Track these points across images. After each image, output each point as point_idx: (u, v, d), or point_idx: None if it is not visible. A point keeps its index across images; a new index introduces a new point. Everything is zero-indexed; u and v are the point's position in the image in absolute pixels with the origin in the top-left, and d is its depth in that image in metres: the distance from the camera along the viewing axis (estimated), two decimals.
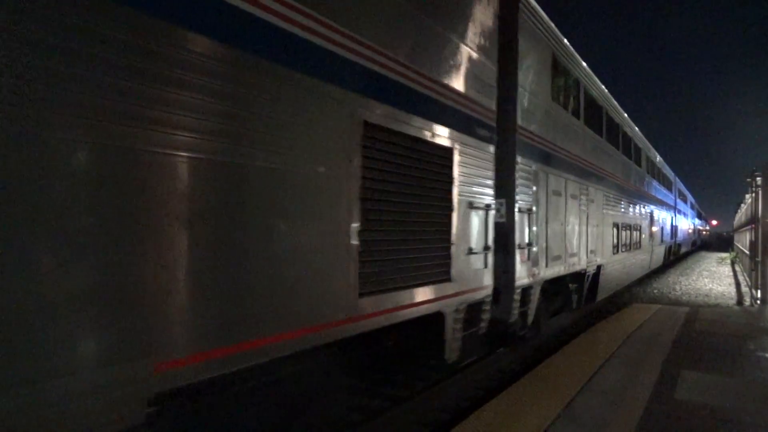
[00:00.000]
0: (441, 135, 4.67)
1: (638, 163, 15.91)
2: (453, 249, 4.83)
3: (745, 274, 22.04)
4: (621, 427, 4.14)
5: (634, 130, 15.33)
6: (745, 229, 24.10)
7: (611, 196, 11.61)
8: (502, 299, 6.14)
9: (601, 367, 5.86)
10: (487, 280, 5.57)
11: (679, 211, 29.81)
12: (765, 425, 4.22)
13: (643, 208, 16.28)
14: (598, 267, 10.26)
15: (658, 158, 21.68)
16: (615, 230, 11.94)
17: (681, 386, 5.20)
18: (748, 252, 18.61)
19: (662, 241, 21.16)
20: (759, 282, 12.97)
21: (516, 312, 6.27)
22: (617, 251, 12.17)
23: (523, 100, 6.52)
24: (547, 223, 7.29)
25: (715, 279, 22.97)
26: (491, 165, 5.71)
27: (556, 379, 5.42)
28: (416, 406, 5.33)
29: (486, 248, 5.49)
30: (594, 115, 10.41)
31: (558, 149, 7.90)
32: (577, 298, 9.17)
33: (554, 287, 8.07)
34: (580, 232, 8.96)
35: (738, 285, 20.20)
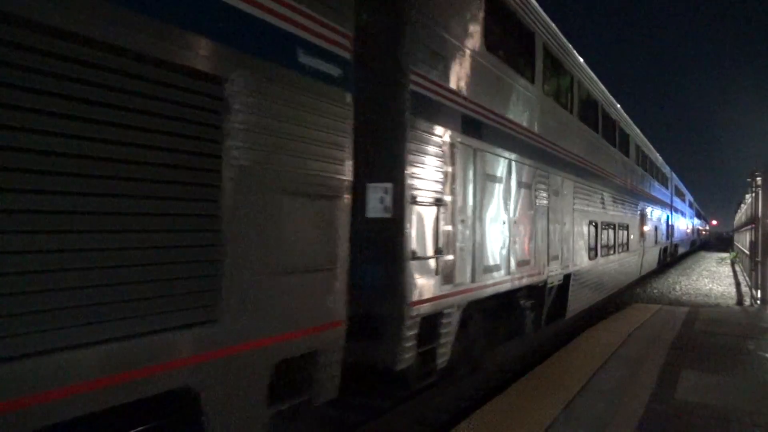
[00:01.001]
0: (172, 44, 2.39)
1: (625, 152, 13.87)
2: (229, 266, 2.64)
3: (745, 274, 22.05)
4: (621, 427, 4.14)
5: (621, 114, 13.25)
6: (745, 229, 24.10)
7: (587, 187, 9.43)
8: (385, 338, 4.12)
9: (601, 367, 5.86)
10: (335, 311, 3.39)
11: (676, 210, 28.50)
12: (765, 425, 4.22)
13: (633, 204, 14.43)
14: (567, 276, 8.15)
15: (652, 150, 19.63)
16: (593, 230, 9.87)
17: (681, 386, 5.20)
18: (748, 252, 18.62)
19: (656, 241, 19.43)
20: (759, 282, 12.98)
21: (410, 354, 4.19)
22: (595, 255, 10.06)
23: (425, 35, 4.40)
24: (475, 220, 5.17)
25: (715, 279, 22.98)
26: (347, 125, 3.50)
27: (556, 378, 5.42)
28: (416, 406, 5.33)
29: (331, 261, 3.35)
30: (558, 84, 8.26)
31: (496, 118, 5.72)
32: (534, 318, 7.10)
33: (494, 307, 6.02)
34: (536, 233, 6.79)
35: (738, 285, 20.21)
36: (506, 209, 5.92)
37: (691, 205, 43.15)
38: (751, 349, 6.93)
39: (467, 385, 6.26)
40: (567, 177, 8.19)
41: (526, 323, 6.89)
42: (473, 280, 5.13)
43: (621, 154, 13.22)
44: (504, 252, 5.85)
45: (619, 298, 14.60)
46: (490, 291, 5.53)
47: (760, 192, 13.41)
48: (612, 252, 11.63)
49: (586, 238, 9.39)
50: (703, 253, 47.52)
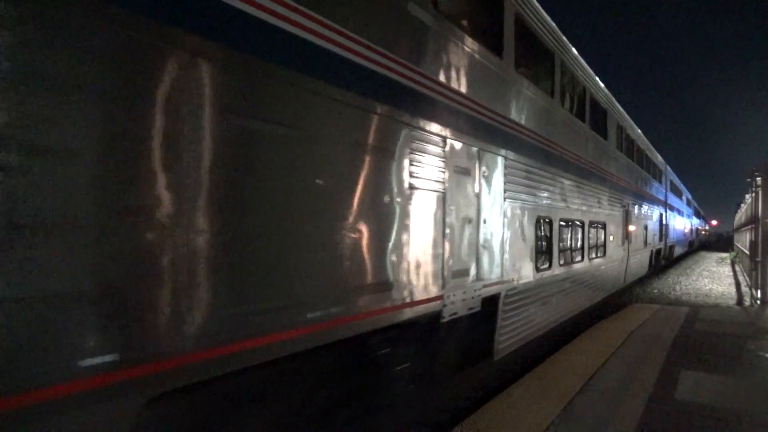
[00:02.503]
0: None
1: (601, 132, 10.95)
2: None
3: (745, 274, 22.05)
4: (621, 427, 4.14)
5: (593, 81, 10.32)
6: (745, 229, 24.10)
7: (531, 170, 6.67)
8: None
9: (601, 367, 5.87)
10: None
11: (672, 208, 25.80)
12: (765, 425, 4.22)
13: (613, 198, 11.81)
14: (493, 299, 5.62)
15: (641, 137, 16.70)
16: (545, 230, 7.30)
17: (681, 386, 5.20)
18: (748, 252, 18.63)
19: (646, 243, 17.02)
20: (759, 282, 12.98)
21: None
22: (549, 265, 7.38)
23: None
24: (216, 214, 2.60)
25: (715, 279, 22.96)
26: None
27: (556, 378, 5.42)
28: (416, 406, 5.33)
29: None
30: (476, 11, 5.63)
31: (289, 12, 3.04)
32: (417, 371, 4.64)
33: (314, 369, 3.55)
34: (411, 236, 4.14)
35: (738, 285, 20.20)
36: (324, 193, 3.30)
37: (688, 203, 42.06)
38: (751, 349, 6.92)
39: (467, 385, 6.27)
40: (489, 150, 5.46)
41: (397, 383, 4.39)
42: (221, 336, 2.59)
43: (594, 132, 10.26)
44: (316, 273, 3.22)
45: (619, 299, 14.58)
46: (260, 354, 2.83)
47: (760, 192, 13.41)
48: (579, 258, 8.95)
49: (531, 241, 6.68)
50: (703, 253, 47.56)
